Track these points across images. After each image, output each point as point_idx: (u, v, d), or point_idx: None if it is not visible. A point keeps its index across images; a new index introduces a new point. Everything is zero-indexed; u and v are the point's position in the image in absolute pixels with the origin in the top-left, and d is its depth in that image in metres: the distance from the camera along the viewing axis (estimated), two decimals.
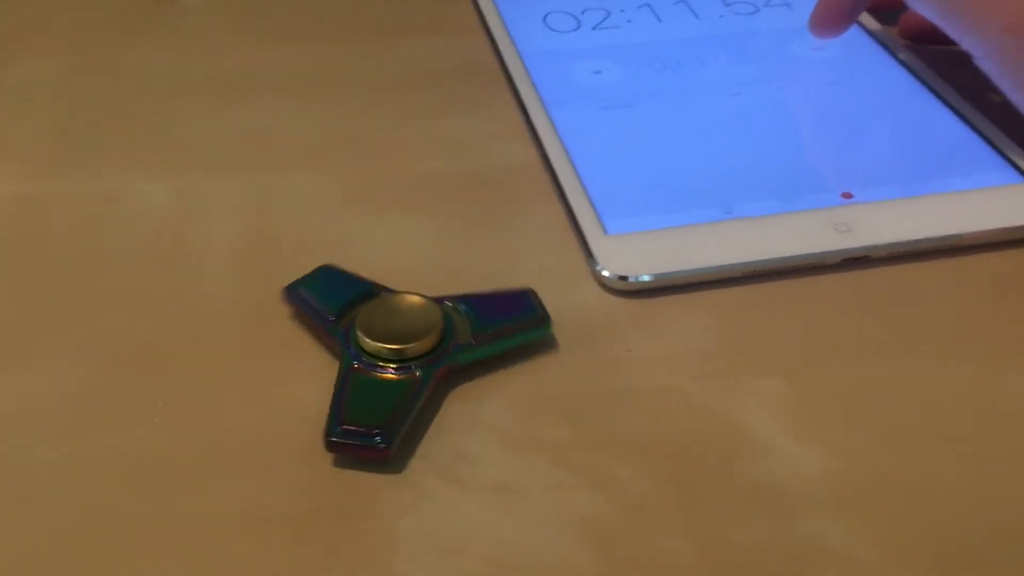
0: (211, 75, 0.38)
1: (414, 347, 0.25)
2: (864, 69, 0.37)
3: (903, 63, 0.37)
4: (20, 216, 0.31)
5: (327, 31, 0.41)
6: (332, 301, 0.26)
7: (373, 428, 0.23)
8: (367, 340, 0.25)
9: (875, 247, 0.29)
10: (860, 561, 0.22)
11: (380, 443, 0.23)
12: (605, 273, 0.28)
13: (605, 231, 0.29)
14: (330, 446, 0.23)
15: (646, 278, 0.28)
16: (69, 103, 0.36)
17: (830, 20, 0.36)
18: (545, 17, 0.40)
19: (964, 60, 0.33)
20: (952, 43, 0.32)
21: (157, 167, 0.33)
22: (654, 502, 0.23)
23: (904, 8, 0.36)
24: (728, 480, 0.23)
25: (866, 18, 0.39)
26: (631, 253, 0.28)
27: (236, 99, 0.37)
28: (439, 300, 0.27)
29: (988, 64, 0.31)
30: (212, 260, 0.30)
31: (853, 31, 0.38)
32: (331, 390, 0.25)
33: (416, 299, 0.26)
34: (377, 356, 0.25)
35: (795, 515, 0.23)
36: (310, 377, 0.26)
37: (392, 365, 0.25)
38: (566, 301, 0.28)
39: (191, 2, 0.42)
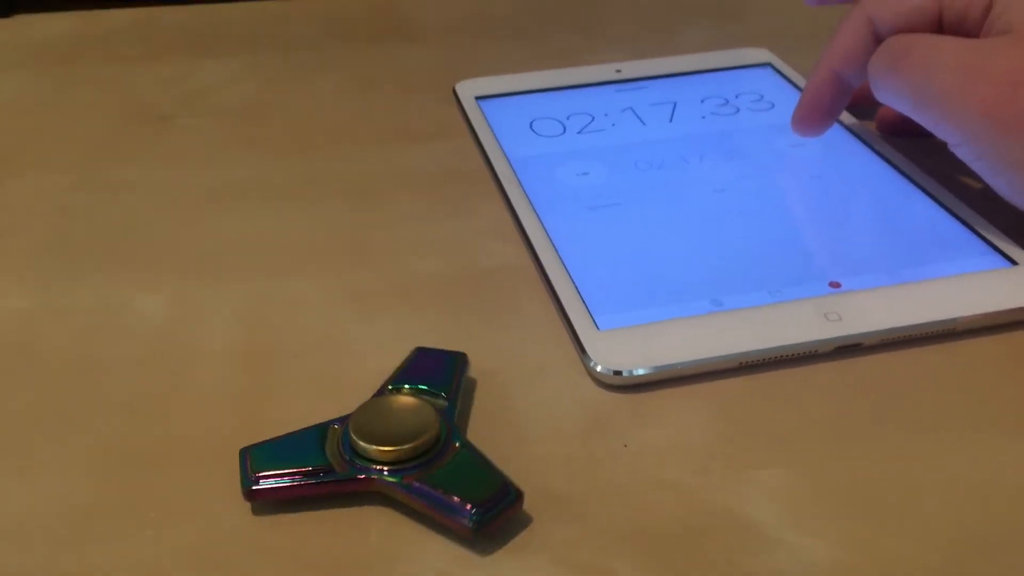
0: (205, 187, 0.39)
1: (424, 439, 0.25)
2: (844, 162, 0.38)
3: (881, 155, 0.38)
4: (18, 329, 0.31)
5: (318, 141, 0.42)
6: (310, 456, 0.25)
7: (496, 495, 0.24)
8: (380, 449, 0.25)
9: (867, 334, 0.29)
10: None
11: (512, 498, 0.24)
12: (599, 368, 0.28)
13: (597, 327, 0.30)
14: (482, 532, 0.24)
15: (640, 372, 0.28)
16: (67, 219, 0.37)
17: (812, 119, 0.37)
18: (531, 123, 0.41)
19: (939, 149, 0.34)
20: (927, 134, 0.33)
21: (152, 278, 0.34)
22: None
23: (880, 103, 0.37)
24: (734, 575, 0.23)
25: (843, 114, 0.41)
26: (624, 348, 0.29)
27: (230, 209, 0.37)
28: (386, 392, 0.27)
29: (964, 151, 0.31)
30: (207, 367, 0.30)
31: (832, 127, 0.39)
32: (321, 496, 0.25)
33: (391, 401, 0.26)
34: (396, 461, 0.25)
35: None
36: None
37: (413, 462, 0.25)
38: (561, 397, 0.28)
39: (186, 120, 0.44)
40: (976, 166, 0.32)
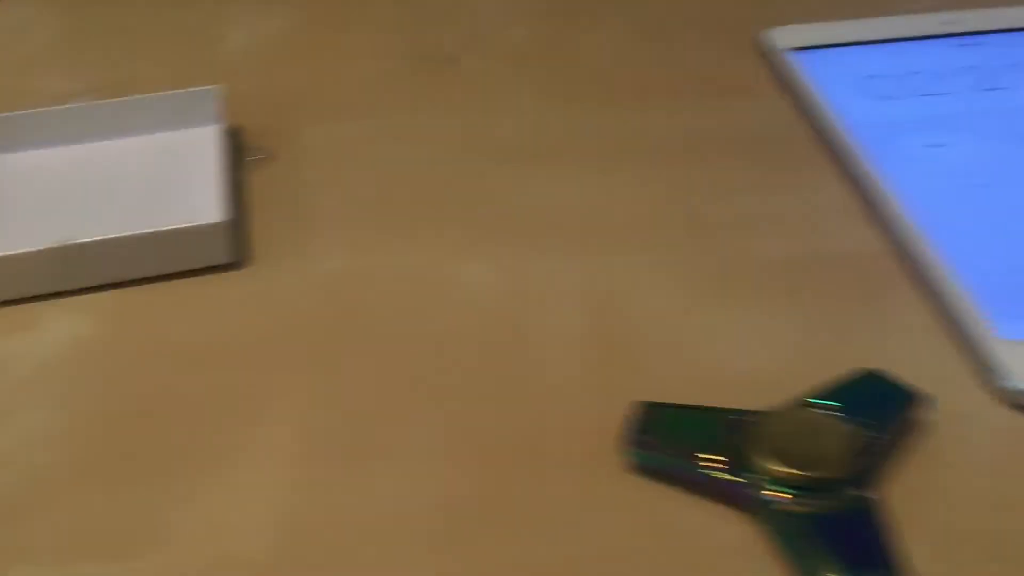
0: (506, 142, 0.36)
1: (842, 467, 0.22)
2: None
3: None
4: (340, 294, 0.30)
5: (616, 93, 0.38)
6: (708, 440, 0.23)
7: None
8: (782, 469, 0.22)
9: None
10: None
11: None
12: (1015, 387, 0.24)
13: (996, 334, 0.26)
14: None
15: None
16: (370, 171, 0.35)
17: None
18: (861, 81, 0.37)
19: None
20: None
21: (474, 244, 0.32)
22: None
23: None
24: None
25: None
26: None
27: (532, 168, 0.35)
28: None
29: None
30: (553, 349, 0.27)
31: None
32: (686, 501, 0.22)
33: (803, 415, 0.23)
34: (786, 482, 0.22)
35: None
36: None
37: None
38: (959, 418, 0.25)
39: (471, 63, 0.41)
40: None
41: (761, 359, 0.26)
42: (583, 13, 0.44)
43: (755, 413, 0.23)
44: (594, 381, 0.26)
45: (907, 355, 0.27)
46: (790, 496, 0.22)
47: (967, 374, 0.26)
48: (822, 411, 0.24)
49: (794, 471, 0.22)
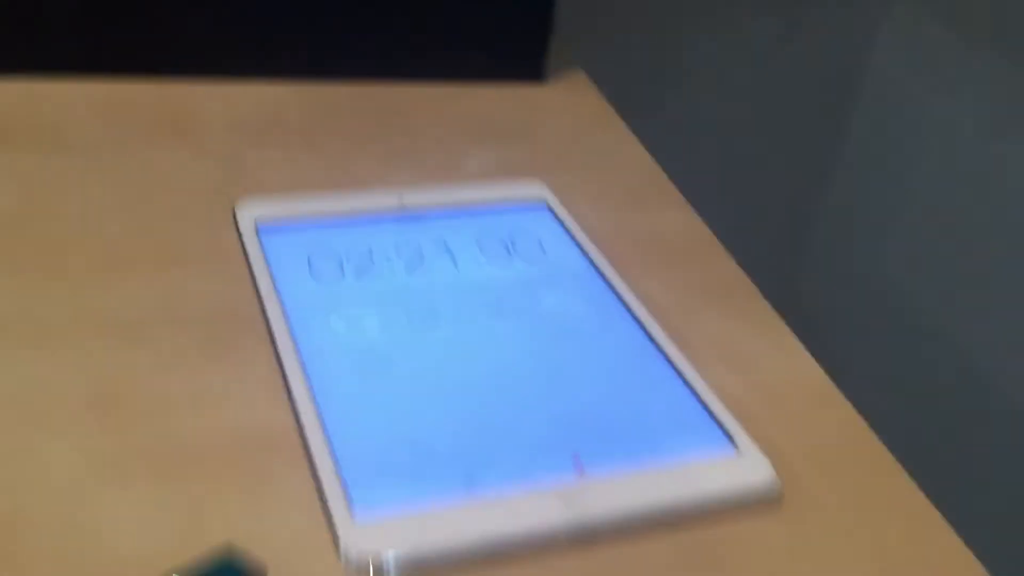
0: None
1: None
2: (604, 328, 0.40)
3: (642, 324, 0.40)
4: None
5: (70, 263, 0.40)
6: None
7: None
8: None
9: (602, 523, 0.31)
10: None
11: None
12: (352, 555, 0.29)
13: (353, 516, 0.30)
14: None
15: (390, 564, 0.29)
16: None
17: None
18: (310, 259, 0.41)
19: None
20: None
21: None
22: None
23: None
24: None
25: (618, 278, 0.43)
26: (377, 537, 0.29)
27: None
28: None
29: None
30: None
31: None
32: None
33: None
34: None
35: None
36: None
37: None
38: None
39: None
40: None
41: (148, 540, 0.29)
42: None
43: None
44: None
45: (281, 532, 0.30)
46: None
47: (328, 550, 0.30)
48: None
49: None
